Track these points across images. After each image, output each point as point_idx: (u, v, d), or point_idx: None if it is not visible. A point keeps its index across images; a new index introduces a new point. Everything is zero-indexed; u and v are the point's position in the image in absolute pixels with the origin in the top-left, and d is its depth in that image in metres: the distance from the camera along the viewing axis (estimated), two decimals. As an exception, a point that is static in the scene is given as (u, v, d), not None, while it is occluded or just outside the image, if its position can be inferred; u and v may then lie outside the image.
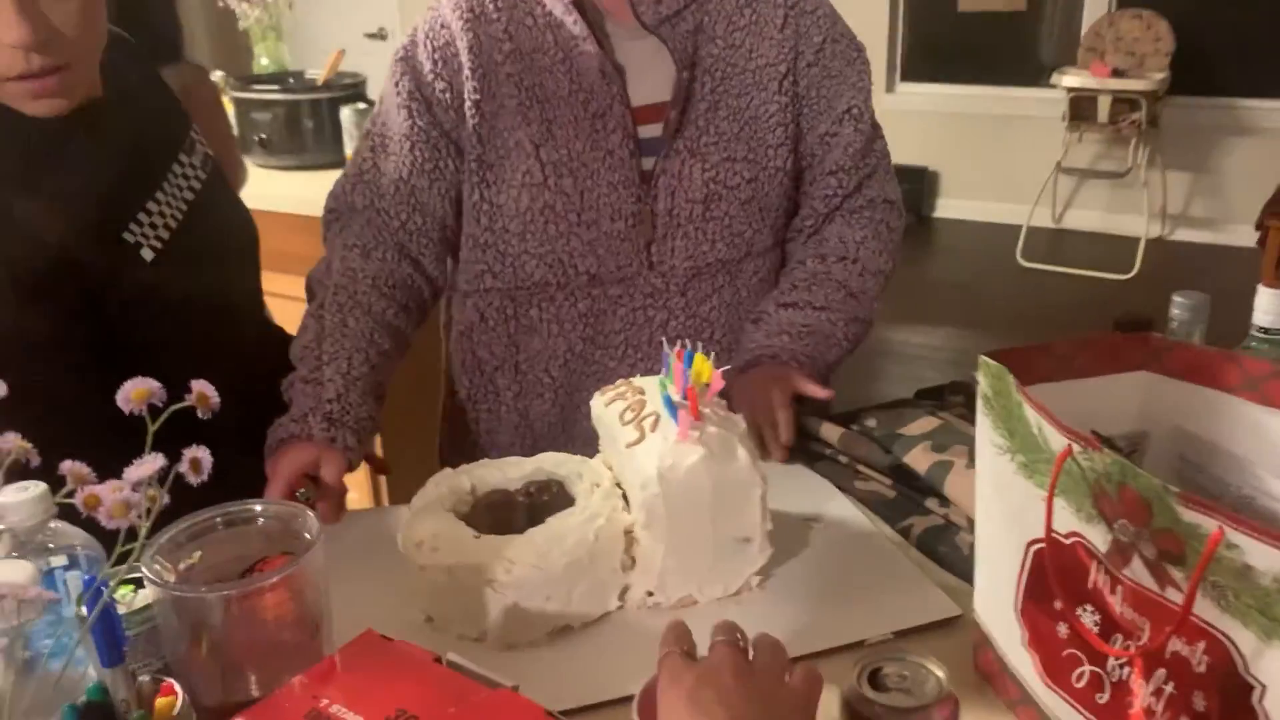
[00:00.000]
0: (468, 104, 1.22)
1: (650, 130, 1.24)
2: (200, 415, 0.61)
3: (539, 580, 0.90)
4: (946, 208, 5.90)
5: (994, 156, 5.62)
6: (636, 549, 0.96)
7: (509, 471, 1.04)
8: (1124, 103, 4.85)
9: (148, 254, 1.06)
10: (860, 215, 1.36)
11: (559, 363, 1.30)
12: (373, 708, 0.65)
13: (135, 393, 0.58)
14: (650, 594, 0.97)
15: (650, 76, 1.23)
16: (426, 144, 1.24)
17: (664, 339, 1.16)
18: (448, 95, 1.23)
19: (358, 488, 2.26)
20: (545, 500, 1.02)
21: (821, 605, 0.97)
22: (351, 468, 1.11)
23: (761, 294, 1.35)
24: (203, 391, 0.61)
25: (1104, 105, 4.88)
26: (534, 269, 1.26)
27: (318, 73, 2.68)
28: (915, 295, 4.77)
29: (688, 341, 1.00)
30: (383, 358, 1.19)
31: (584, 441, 1.12)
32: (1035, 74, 5.48)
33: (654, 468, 0.92)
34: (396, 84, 1.25)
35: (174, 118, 1.16)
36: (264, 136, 2.58)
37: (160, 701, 0.69)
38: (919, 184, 5.84)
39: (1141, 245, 4.91)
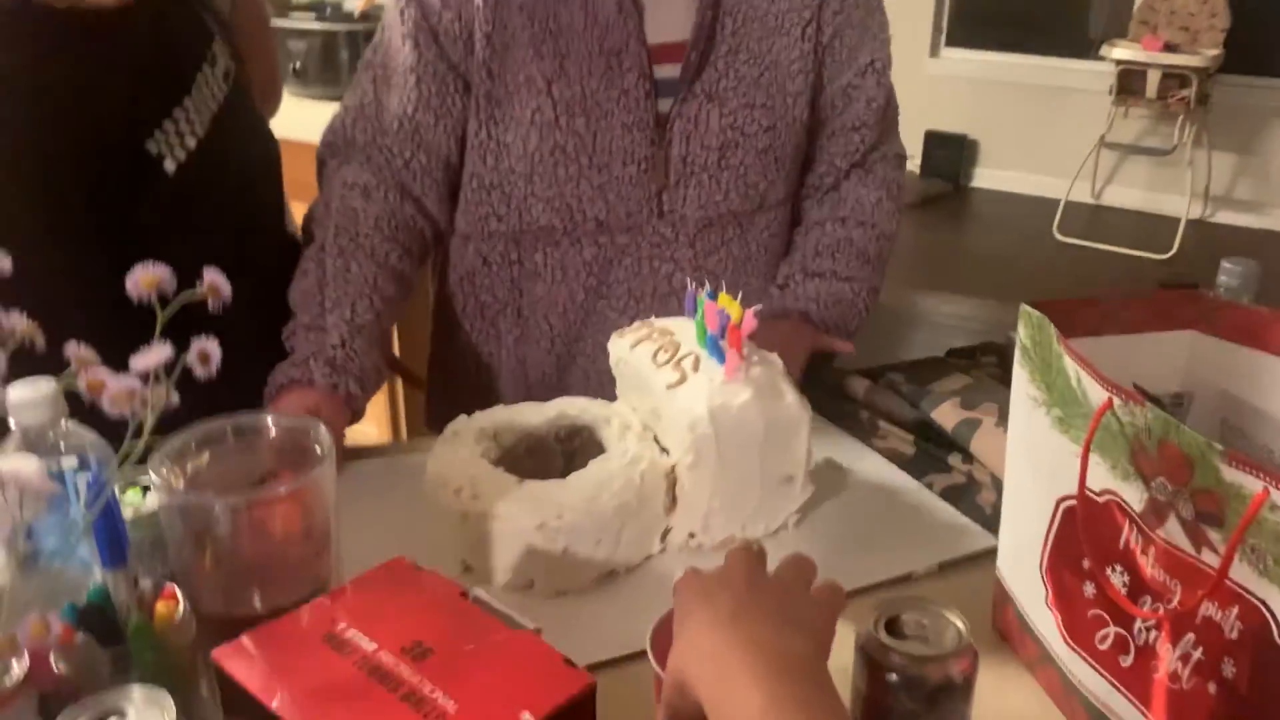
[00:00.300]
0: (478, 36, 1.16)
1: (666, 71, 1.19)
2: (211, 307, 0.59)
3: (589, 525, 0.88)
4: (984, 177, 5.82)
5: (1036, 127, 5.53)
6: (678, 490, 0.95)
7: (530, 417, 1.02)
8: (1174, 78, 4.75)
9: (170, 165, 1.04)
10: (875, 174, 1.32)
11: (559, 311, 1.26)
12: (389, 636, 0.64)
13: (144, 280, 0.56)
14: (692, 535, 0.96)
15: (668, 14, 1.18)
16: (433, 78, 1.18)
17: (688, 280, 1.13)
18: (456, 26, 1.16)
19: (377, 421, 2.26)
20: (577, 445, 1.00)
21: (862, 542, 0.97)
22: (356, 417, 1.08)
23: (771, 250, 1.31)
24: (214, 282, 0.59)
25: (1153, 80, 4.77)
26: (540, 213, 1.21)
27: (356, 4, 2.66)
28: (948, 264, 4.72)
29: (707, 283, 0.98)
30: (386, 304, 1.16)
31: (579, 392, 1.09)
32: (1084, 45, 5.37)
33: (704, 407, 0.91)
34: (401, 13, 1.19)
35: (196, 28, 1.14)
36: (299, 65, 2.56)
37: (160, 606, 0.67)
38: (958, 152, 5.76)
39: (1182, 225, 4.83)
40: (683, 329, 1.00)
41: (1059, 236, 4.98)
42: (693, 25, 1.17)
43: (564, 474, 0.93)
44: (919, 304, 4.27)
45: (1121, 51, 4.78)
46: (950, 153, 5.78)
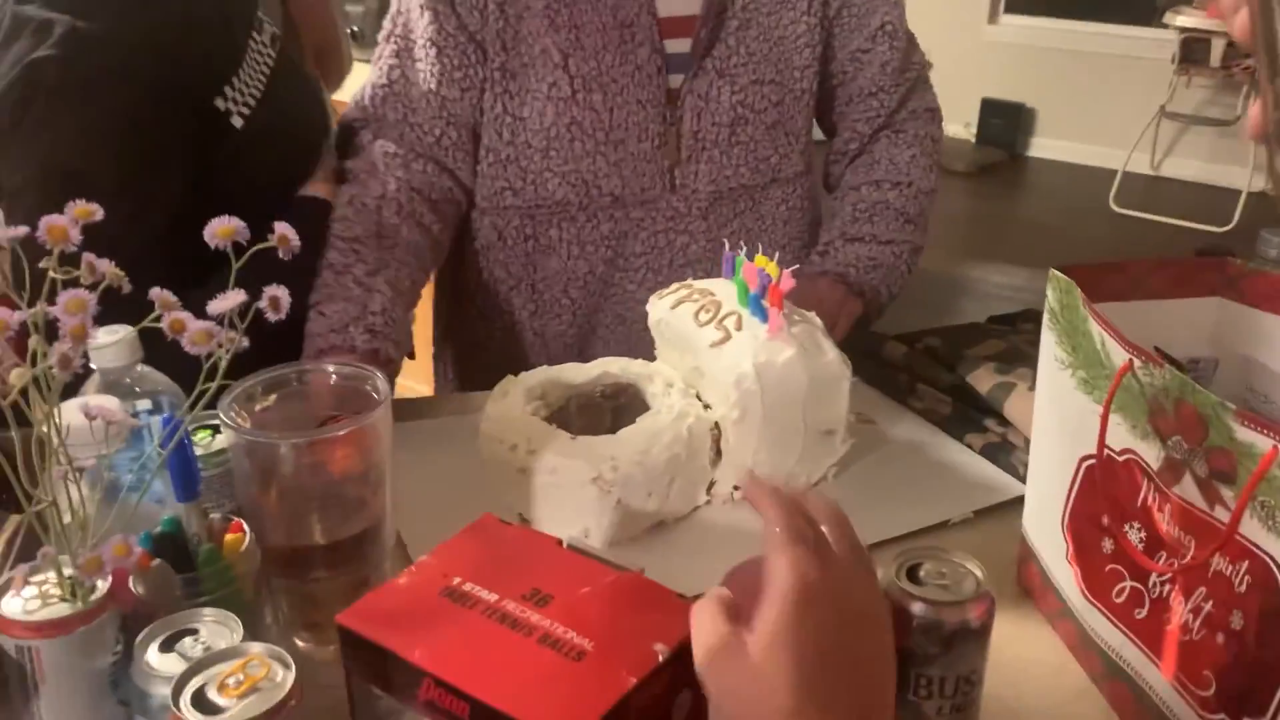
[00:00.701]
0: (491, 5, 1.15)
1: (675, 46, 1.19)
2: (281, 256, 0.63)
3: (642, 477, 0.92)
4: (1041, 147, 5.75)
5: (1095, 97, 5.45)
6: (723, 445, 0.98)
7: (574, 376, 1.05)
8: (1239, 47, 4.65)
9: (237, 121, 1.08)
10: (905, 132, 1.33)
11: (578, 284, 1.27)
12: (506, 586, 0.66)
13: (221, 230, 0.60)
14: (737, 488, 1.00)
15: None
16: (455, 49, 1.17)
17: (724, 242, 1.16)
18: None
19: (426, 379, 2.30)
20: (623, 402, 1.04)
21: (899, 492, 1.01)
22: (391, 380, 1.09)
23: (787, 221, 1.32)
24: (284, 233, 0.63)
25: (1217, 48, 4.69)
26: (556, 188, 1.21)
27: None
28: (1001, 233, 4.68)
29: (743, 245, 1.02)
30: (424, 272, 1.18)
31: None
32: (1147, 12, 5.26)
33: (749, 364, 0.94)
34: None
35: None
36: (356, 29, 2.60)
37: (229, 538, 0.73)
38: (1014, 120, 5.70)
39: (1243, 198, 4.75)
40: (722, 289, 1.03)
41: (1115, 208, 4.92)
42: (703, 1, 1.18)
43: (613, 430, 0.96)
44: (972, 273, 4.25)
45: (1185, 19, 4.69)
46: (1007, 121, 5.72)
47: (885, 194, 1.31)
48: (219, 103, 1.07)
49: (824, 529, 0.60)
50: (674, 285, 1.08)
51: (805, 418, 0.98)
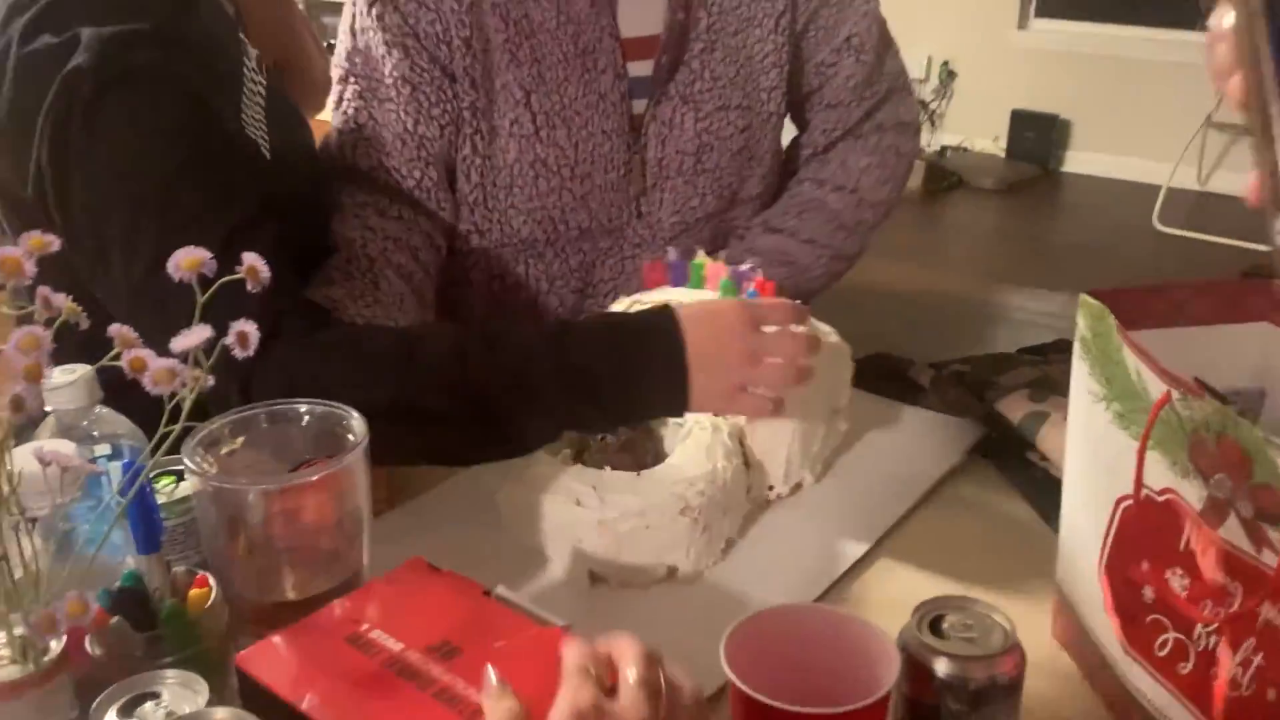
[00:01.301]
0: (456, 42, 1.16)
1: (638, 68, 1.21)
2: (250, 289, 0.64)
3: (720, 496, 0.96)
4: (1077, 161, 5.77)
5: (1135, 106, 5.47)
6: (750, 446, 1.03)
7: None
8: (1291, 50, 4.68)
9: (266, 151, 1.09)
10: (867, 141, 1.37)
11: (549, 316, 1.30)
12: (414, 635, 0.68)
13: (185, 261, 0.61)
14: (771, 488, 1.05)
15: (641, 4, 1.19)
16: (431, 85, 1.17)
17: (669, 248, 1.19)
18: (438, 27, 1.15)
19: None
20: (646, 428, 1.07)
21: (907, 459, 1.11)
22: None
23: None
24: (253, 265, 0.64)
25: (1267, 52, 4.71)
26: (521, 225, 1.23)
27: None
28: (1036, 256, 4.69)
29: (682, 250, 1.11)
30: (408, 321, 1.17)
31: None
32: (1190, 14, 5.29)
33: None
34: (381, 19, 1.15)
35: (228, 20, 1.19)
36: (334, 42, 2.63)
37: (194, 593, 0.73)
38: (1048, 133, 5.73)
39: (1298, 214, 4.75)
40: (690, 296, 1.08)
41: (1160, 226, 4.93)
42: (665, 22, 1.20)
43: (657, 458, 1.00)
44: (1002, 299, 4.22)
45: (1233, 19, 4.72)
46: (1039, 134, 5.75)
47: (825, 194, 1.35)
48: (250, 132, 1.07)
49: (628, 670, 0.63)
50: (624, 300, 1.11)
51: (824, 401, 1.06)
